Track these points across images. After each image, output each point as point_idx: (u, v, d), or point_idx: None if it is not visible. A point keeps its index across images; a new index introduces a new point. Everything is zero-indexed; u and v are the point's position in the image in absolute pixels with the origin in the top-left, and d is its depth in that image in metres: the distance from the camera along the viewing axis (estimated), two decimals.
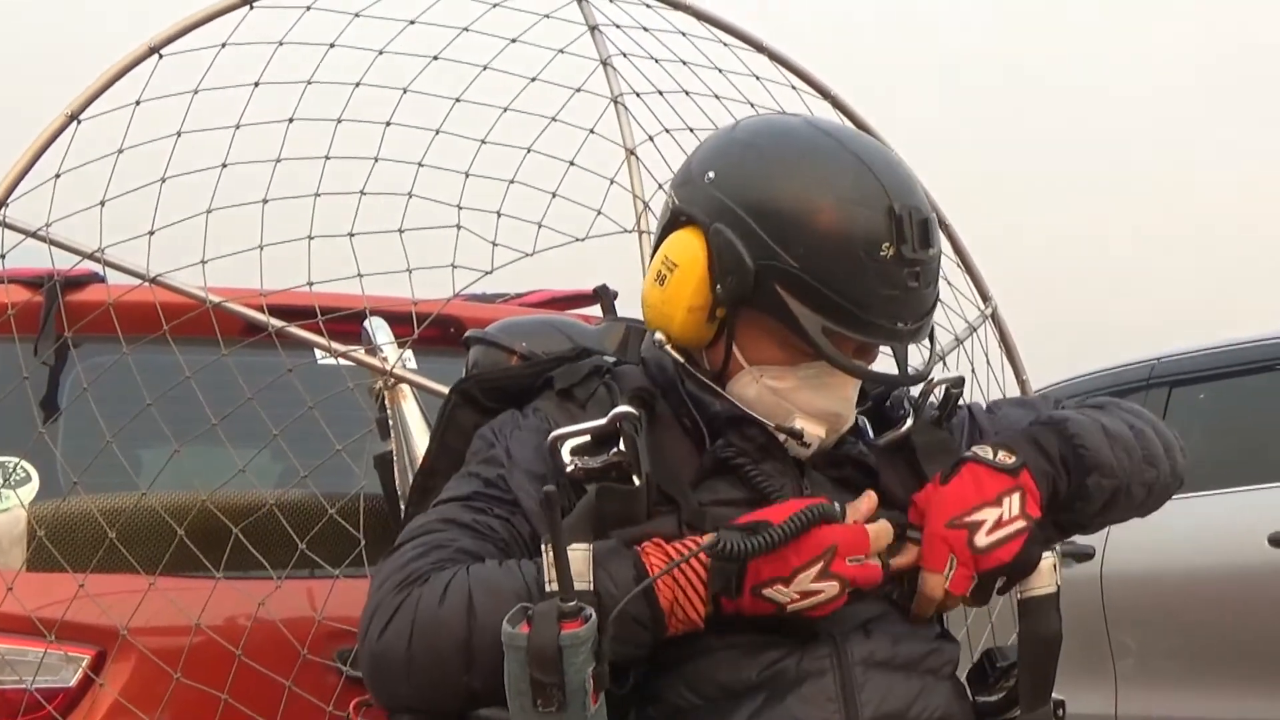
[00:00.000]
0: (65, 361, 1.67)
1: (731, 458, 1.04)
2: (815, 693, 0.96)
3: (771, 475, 1.04)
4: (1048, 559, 1.04)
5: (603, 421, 1.01)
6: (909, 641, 1.05)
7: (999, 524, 1.01)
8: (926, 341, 1.11)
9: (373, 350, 1.62)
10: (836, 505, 0.93)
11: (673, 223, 1.07)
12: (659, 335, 1.07)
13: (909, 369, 1.08)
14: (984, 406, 1.29)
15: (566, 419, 1.06)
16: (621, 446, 1.00)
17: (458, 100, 1.56)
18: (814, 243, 0.99)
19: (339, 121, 1.54)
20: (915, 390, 1.19)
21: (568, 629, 0.81)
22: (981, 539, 0.99)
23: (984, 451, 1.05)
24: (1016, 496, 1.01)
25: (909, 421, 1.15)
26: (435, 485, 1.10)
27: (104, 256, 1.51)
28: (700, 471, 1.04)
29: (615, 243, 1.71)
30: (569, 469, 1.00)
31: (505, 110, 1.62)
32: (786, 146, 1.06)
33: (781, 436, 1.04)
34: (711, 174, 1.05)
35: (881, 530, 0.95)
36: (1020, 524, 0.99)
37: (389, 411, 1.56)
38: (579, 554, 0.90)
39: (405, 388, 1.56)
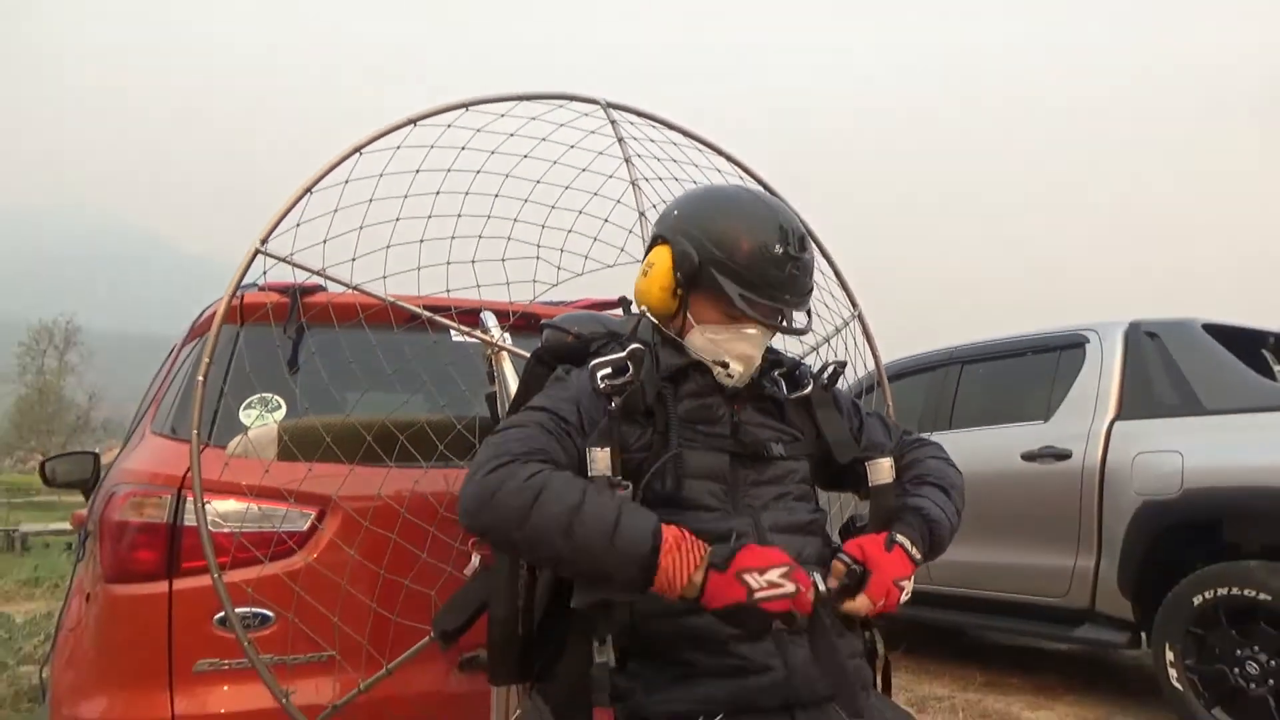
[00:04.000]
0: (302, 337, 2.29)
1: (692, 391, 1.52)
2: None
3: (717, 405, 1.53)
4: (887, 461, 1.58)
5: (622, 355, 1.50)
6: (797, 514, 1.54)
7: (906, 592, 1.45)
8: (805, 317, 1.58)
9: (485, 331, 2.16)
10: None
11: (654, 242, 1.60)
12: (643, 307, 1.59)
13: (794, 328, 1.55)
14: (858, 405, 1.74)
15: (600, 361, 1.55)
16: (631, 372, 1.47)
17: (538, 182, 2.20)
18: (735, 246, 1.47)
19: (466, 194, 2.13)
20: (815, 366, 1.72)
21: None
22: (903, 597, 1.45)
23: (907, 542, 1.48)
24: (913, 578, 1.47)
25: (810, 385, 1.63)
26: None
27: (325, 273, 2.07)
28: (674, 398, 1.50)
29: (630, 270, 2.20)
30: (601, 386, 1.48)
31: (566, 189, 2.23)
32: (723, 197, 1.59)
33: (717, 369, 1.51)
34: (677, 211, 1.58)
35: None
36: (909, 595, 1.46)
37: (494, 369, 2.10)
38: (602, 453, 1.38)
39: (504, 354, 2.11)
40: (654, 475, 1.43)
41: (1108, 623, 4.19)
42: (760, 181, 2.40)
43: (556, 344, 1.70)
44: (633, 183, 2.32)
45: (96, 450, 4.04)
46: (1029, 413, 4.70)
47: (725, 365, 1.50)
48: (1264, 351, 4.67)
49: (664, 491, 1.43)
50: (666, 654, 1.38)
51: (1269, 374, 4.47)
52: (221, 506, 2.03)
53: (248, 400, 2.21)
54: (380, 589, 2.05)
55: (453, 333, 2.22)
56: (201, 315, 2.47)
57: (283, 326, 2.27)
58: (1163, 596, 3.89)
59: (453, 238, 2.11)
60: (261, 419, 2.19)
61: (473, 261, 2.12)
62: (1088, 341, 4.59)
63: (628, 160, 2.35)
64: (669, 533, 1.28)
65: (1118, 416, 4.28)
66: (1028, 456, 4.50)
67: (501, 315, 2.25)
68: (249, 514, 2.03)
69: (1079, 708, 4.41)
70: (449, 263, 2.10)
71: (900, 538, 1.48)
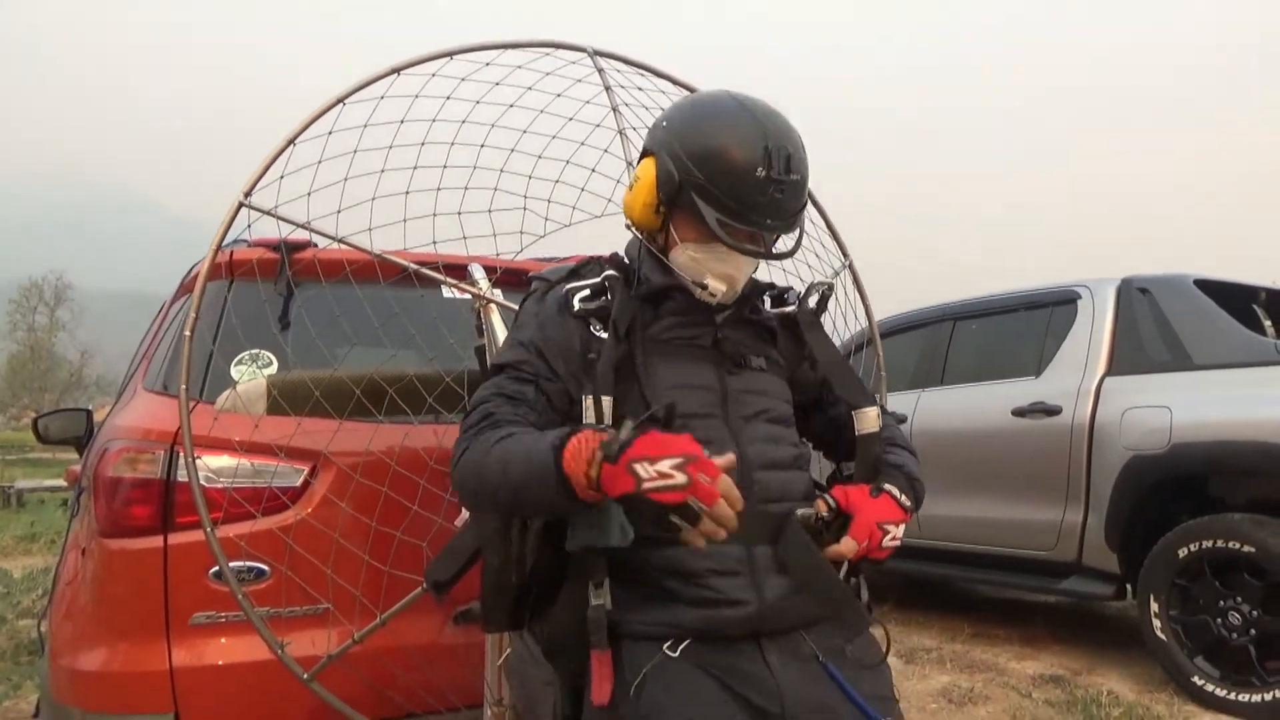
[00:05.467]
0: (292, 293, 2.28)
1: (674, 310, 1.50)
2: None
3: (696, 323, 1.50)
4: (874, 410, 1.57)
5: (596, 280, 1.50)
6: (782, 448, 1.53)
7: (893, 537, 1.48)
8: (792, 241, 1.51)
9: (474, 284, 2.13)
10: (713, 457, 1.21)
11: (643, 154, 1.53)
12: (628, 221, 1.54)
13: (773, 252, 1.48)
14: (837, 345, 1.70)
15: (575, 281, 1.53)
16: (608, 297, 1.47)
17: (524, 132, 2.13)
18: (716, 166, 1.39)
19: (452, 145, 2.06)
20: (803, 290, 1.66)
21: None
22: (886, 540, 1.47)
23: (895, 490, 1.50)
24: (903, 525, 1.50)
25: (794, 305, 1.62)
26: None
27: (311, 226, 2.01)
28: (652, 318, 1.49)
29: (619, 222, 2.13)
30: (576, 310, 1.47)
31: (553, 138, 2.16)
32: (709, 108, 1.47)
33: (697, 289, 1.47)
34: (666, 123, 1.49)
35: (728, 484, 1.21)
36: (899, 542, 1.49)
37: (482, 321, 2.07)
38: (588, 401, 1.38)
39: (493, 306, 2.08)
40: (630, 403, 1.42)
41: (1094, 575, 4.25)
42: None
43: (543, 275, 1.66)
44: (620, 132, 2.26)
45: (89, 407, 4.04)
46: (1020, 369, 4.73)
47: (705, 285, 1.47)
48: (1255, 307, 4.69)
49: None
50: (646, 580, 1.40)
51: (1259, 329, 4.49)
52: (214, 462, 2.03)
53: (238, 356, 2.21)
54: (373, 542, 2.07)
55: (442, 288, 2.21)
56: (191, 272, 2.47)
57: (272, 282, 2.26)
58: (1148, 550, 3.95)
59: (438, 189, 2.06)
60: (252, 374, 2.19)
61: (459, 213, 2.07)
62: (1080, 298, 4.60)
63: (615, 109, 2.29)
64: (572, 440, 1.24)
65: (1108, 372, 4.31)
66: (1018, 412, 4.54)
67: (489, 269, 2.24)
68: (241, 469, 2.04)
69: (1064, 658, 4.50)
70: (434, 215, 2.05)
71: (888, 485, 1.51)
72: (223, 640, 2.05)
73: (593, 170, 2.20)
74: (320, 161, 1.97)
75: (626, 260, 1.59)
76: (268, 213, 1.97)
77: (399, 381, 2.07)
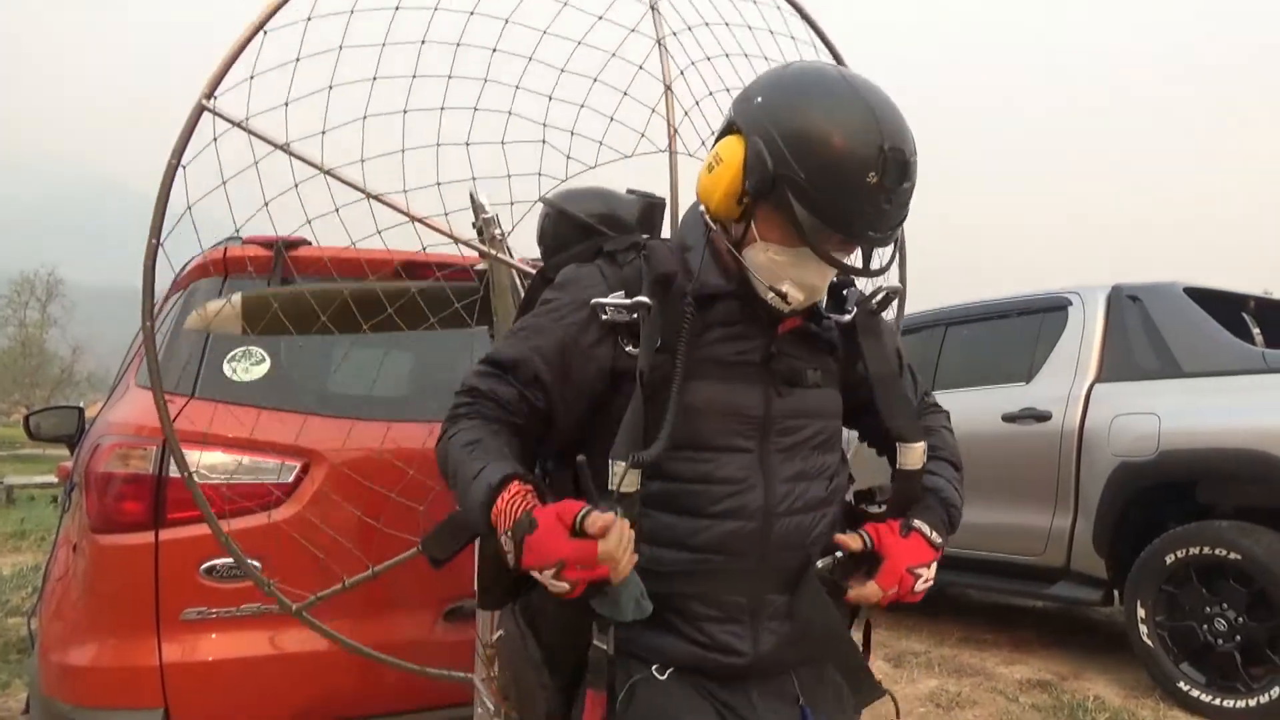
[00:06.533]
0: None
1: (723, 318, 1.31)
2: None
3: (748, 336, 1.32)
4: (920, 446, 1.38)
5: (628, 303, 1.28)
6: (817, 485, 1.37)
7: (925, 580, 1.35)
8: (886, 255, 1.30)
9: (480, 212, 1.88)
10: (595, 512, 1.12)
11: (727, 129, 1.29)
12: (702, 207, 1.31)
13: (870, 269, 1.27)
14: (900, 351, 1.54)
15: (612, 272, 1.33)
16: (646, 311, 1.26)
17: (544, 32, 1.76)
18: (820, 163, 1.18)
19: (458, 46, 1.72)
20: (865, 286, 1.43)
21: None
22: (919, 585, 1.35)
23: (926, 528, 1.37)
24: (935, 564, 1.37)
25: (854, 311, 1.41)
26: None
27: (290, 149, 1.68)
28: (698, 328, 1.29)
29: (653, 164, 1.85)
30: (605, 317, 1.28)
31: (579, 44, 1.78)
32: (817, 89, 1.23)
33: (770, 295, 1.27)
34: (760, 99, 1.25)
35: (612, 544, 1.12)
36: (931, 583, 1.37)
37: (491, 278, 1.97)
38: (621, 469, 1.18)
39: (504, 265, 1.91)
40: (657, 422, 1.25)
41: (1082, 581, 4.28)
42: (838, 58, 2.03)
43: (560, 256, 1.50)
44: (659, 41, 1.86)
45: (81, 405, 4.04)
46: (1011, 375, 4.75)
47: (783, 293, 1.28)
48: (1244, 315, 4.72)
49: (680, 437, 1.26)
50: (656, 602, 1.27)
51: (1248, 337, 4.52)
52: (207, 459, 2.04)
53: (231, 353, 2.22)
54: (366, 536, 2.07)
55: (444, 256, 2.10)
56: (184, 268, 2.48)
57: (266, 279, 2.26)
58: (1136, 556, 3.97)
59: (442, 109, 1.72)
60: (245, 370, 2.20)
61: (466, 144, 1.75)
62: (1070, 304, 4.63)
63: (654, 7, 1.89)
64: (501, 498, 1.19)
65: (1098, 379, 4.34)
66: (1008, 418, 4.56)
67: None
68: (234, 465, 2.05)
69: (1052, 662, 4.52)
70: (439, 145, 1.72)
71: (918, 523, 1.38)
72: (213, 636, 2.06)
73: (624, 94, 1.79)
74: (298, 60, 1.66)
75: (680, 247, 1.38)
76: (237, 124, 1.69)
77: (400, 297, 1.95)
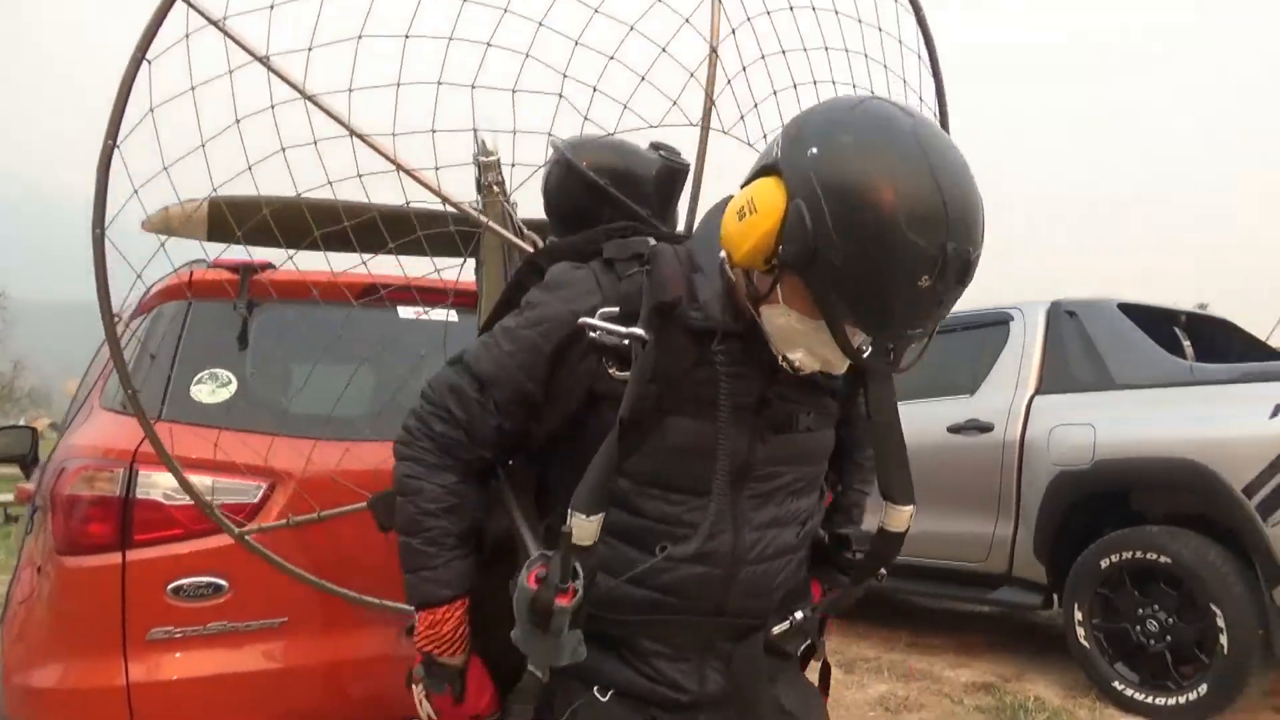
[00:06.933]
0: (251, 311, 2.32)
1: (721, 361, 1.19)
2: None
3: (745, 377, 1.21)
4: (909, 511, 1.31)
5: (622, 331, 1.15)
6: (788, 532, 1.32)
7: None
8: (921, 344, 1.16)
9: (486, 155, 1.74)
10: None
11: (770, 169, 1.09)
12: (724, 253, 1.15)
13: (898, 366, 1.15)
14: None
15: (609, 282, 1.21)
16: (640, 339, 1.14)
17: None
18: (869, 251, 1.01)
19: None
20: None
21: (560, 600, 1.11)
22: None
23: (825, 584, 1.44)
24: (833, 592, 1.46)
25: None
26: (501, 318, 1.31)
27: (269, 62, 1.53)
28: (692, 361, 1.19)
29: (684, 137, 1.61)
30: (593, 336, 1.16)
31: None
32: (882, 156, 1.03)
33: (780, 358, 1.16)
34: (815, 150, 1.05)
35: None
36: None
37: (482, 242, 1.83)
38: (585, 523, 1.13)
39: (499, 232, 1.76)
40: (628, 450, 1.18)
41: (1024, 586, 4.46)
42: (936, 72, 1.82)
43: (556, 243, 1.38)
44: None
45: (33, 425, 4.02)
46: (956, 387, 4.92)
47: (793, 361, 1.16)
48: (1176, 329, 4.95)
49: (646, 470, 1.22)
50: (606, 627, 1.27)
51: (1179, 351, 4.74)
52: (172, 480, 2.06)
53: (198, 375, 2.25)
54: (330, 554, 2.12)
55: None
56: (149, 290, 2.50)
57: (232, 302, 2.31)
58: (1074, 561, 4.14)
59: (451, 38, 1.50)
60: (212, 393, 2.23)
61: (471, 86, 1.53)
62: (1012, 319, 4.81)
63: None
64: (426, 615, 1.28)
65: (1038, 391, 4.52)
66: (953, 429, 4.73)
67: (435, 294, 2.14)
68: (205, 488, 2.08)
69: (995, 664, 4.68)
70: (440, 82, 1.51)
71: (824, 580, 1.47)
72: (179, 655, 2.08)
73: (663, 49, 1.56)
74: None
75: (690, 264, 1.22)
76: (214, 22, 1.54)
77: (360, 215, 1.80)
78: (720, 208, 1.24)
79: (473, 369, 1.26)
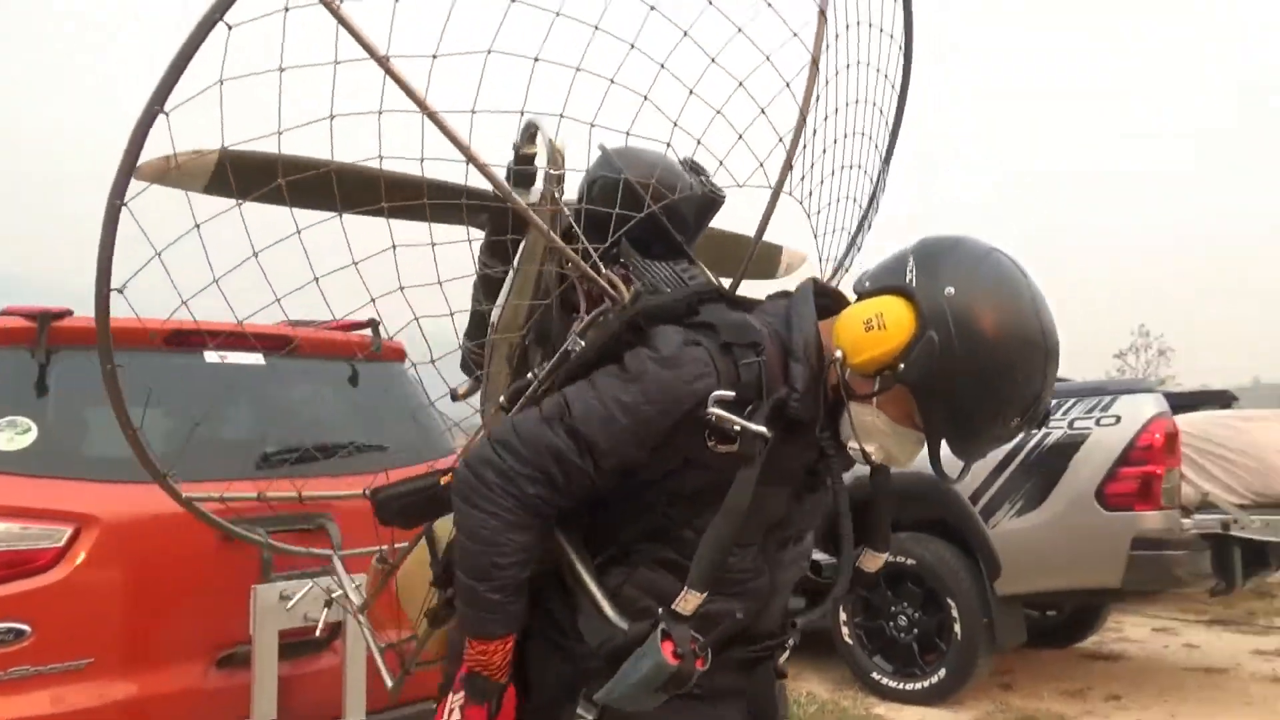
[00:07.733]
0: (50, 359, 2.33)
1: (824, 452, 1.30)
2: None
3: (802, 446, 1.29)
4: (884, 558, 1.47)
5: (752, 428, 1.19)
6: (800, 567, 1.48)
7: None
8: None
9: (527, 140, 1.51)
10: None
11: (904, 291, 1.22)
12: (839, 353, 1.25)
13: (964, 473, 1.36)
14: None
15: (725, 366, 1.23)
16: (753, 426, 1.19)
17: None
18: (985, 390, 1.19)
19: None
20: None
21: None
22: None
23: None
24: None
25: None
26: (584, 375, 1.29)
27: (389, 65, 1.24)
28: (779, 440, 1.23)
29: (754, 200, 1.50)
30: (706, 413, 1.19)
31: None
32: (1012, 314, 1.20)
33: (852, 446, 1.28)
34: (951, 290, 1.19)
35: None
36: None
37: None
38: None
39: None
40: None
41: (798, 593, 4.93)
42: None
43: (651, 302, 1.34)
44: (821, 11, 1.44)
45: None
46: None
47: (867, 453, 1.29)
48: None
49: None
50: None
51: None
52: None
53: None
54: (140, 598, 2.19)
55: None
56: None
57: (30, 349, 2.33)
58: None
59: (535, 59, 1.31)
60: (9, 440, 2.24)
61: (535, 59, 1.32)
62: None
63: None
64: (476, 664, 1.30)
65: None
66: None
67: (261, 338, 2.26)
68: (4, 534, 2.10)
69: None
70: (490, 51, 1.29)
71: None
72: None
73: (739, 84, 1.38)
74: None
75: (786, 352, 1.28)
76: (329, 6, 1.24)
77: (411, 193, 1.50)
78: (807, 298, 1.32)
79: (581, 433, 1.24)
